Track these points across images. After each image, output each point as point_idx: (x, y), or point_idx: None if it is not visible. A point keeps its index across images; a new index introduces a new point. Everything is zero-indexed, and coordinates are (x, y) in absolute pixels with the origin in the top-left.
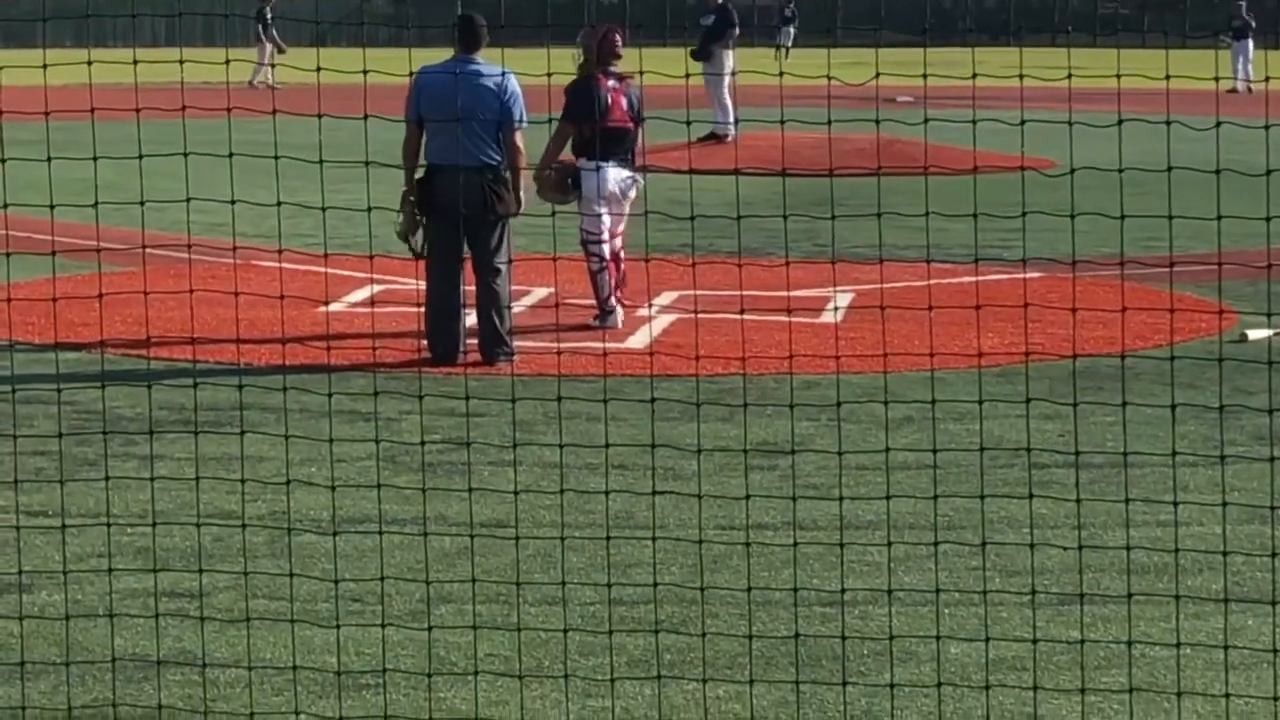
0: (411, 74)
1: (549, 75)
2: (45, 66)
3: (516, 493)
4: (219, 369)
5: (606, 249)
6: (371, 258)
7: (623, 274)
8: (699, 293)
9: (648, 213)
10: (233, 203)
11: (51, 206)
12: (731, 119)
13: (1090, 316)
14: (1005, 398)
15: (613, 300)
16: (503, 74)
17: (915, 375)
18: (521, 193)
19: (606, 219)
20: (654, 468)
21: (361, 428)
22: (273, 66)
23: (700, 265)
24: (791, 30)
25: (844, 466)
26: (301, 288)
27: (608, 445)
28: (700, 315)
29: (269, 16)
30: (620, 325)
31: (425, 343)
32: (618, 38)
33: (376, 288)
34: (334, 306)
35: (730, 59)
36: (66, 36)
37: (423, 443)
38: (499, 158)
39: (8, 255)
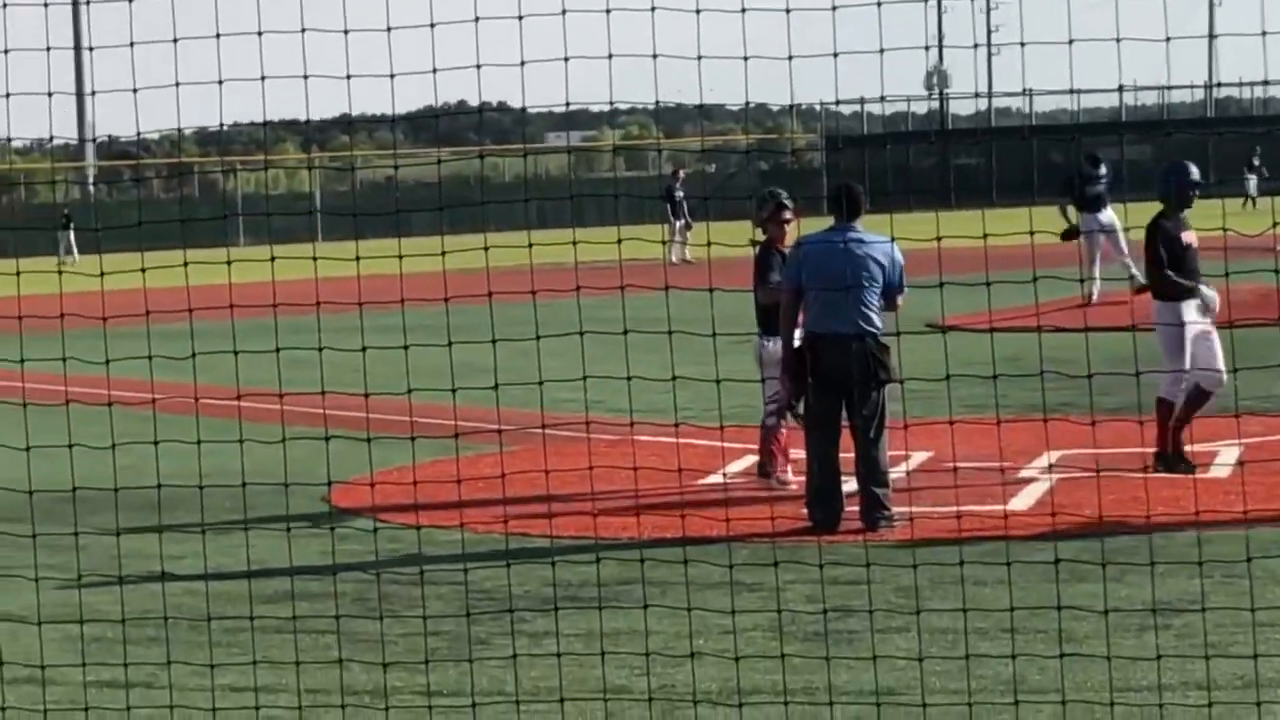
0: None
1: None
2: (444, 254)
3: (921, 659)
4: (588, 545)
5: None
6: (722, 428)
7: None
8: (1077, 451)
9: (1042, 372)
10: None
11: (454, 390)
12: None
13: None
14: None
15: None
16: (885, 241)
17: None
18: None
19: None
20: (1060, 630)
21: (747, 598)
22: (684, 243)
23: (1074, 424)
24: (1255, 180)
25: (1245, 624)
26: (661, 461)
27: (1012, 609)
28: (1079, 475)
29: (678, 195)
30: (779, 487)
31: (805, 511)
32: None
33: (740, 461)
34: (711, 478)
35: (1107, 215)
36: (461, 223)
37: (824, 611)
38: (880, 324)
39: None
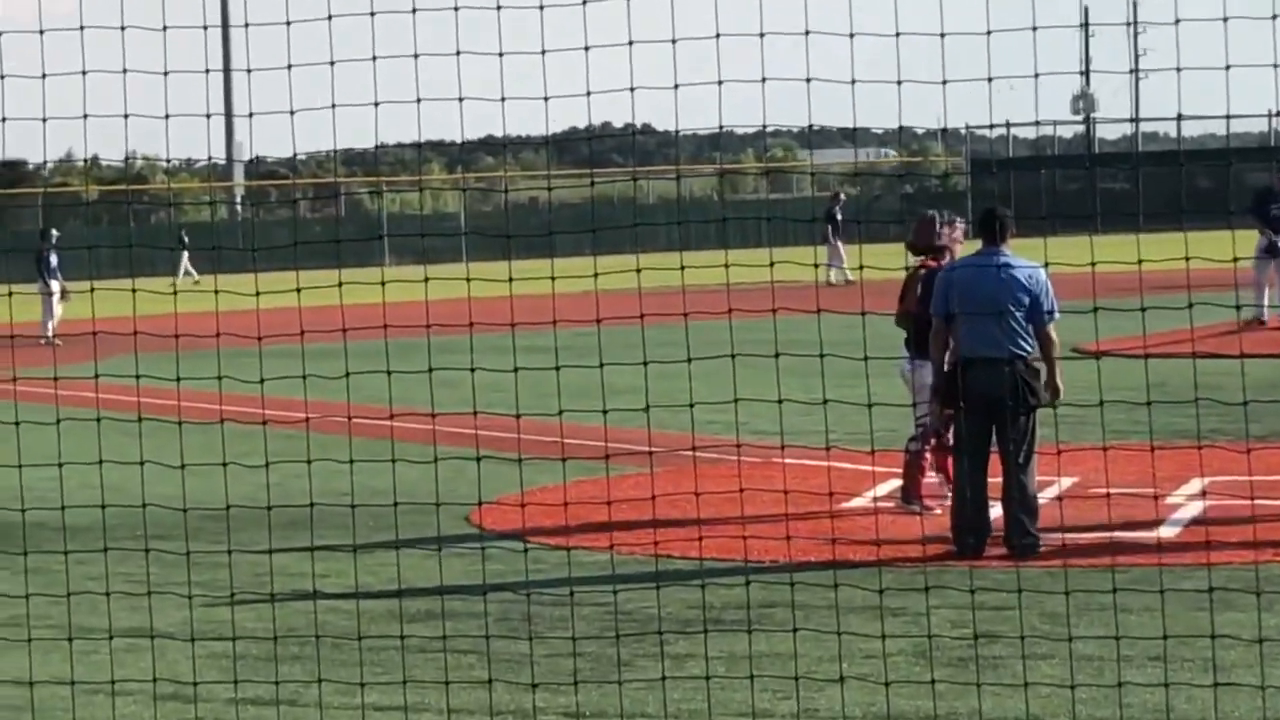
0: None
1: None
2: (553, 278)
3: (1073, 686)
4: (735, 567)
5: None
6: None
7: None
8: (1229, 479)
9: (1197, 399)
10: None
11: (560, 413)
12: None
13: None
14: None
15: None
16: (1033, 266)
17: None
18: (1058, 381)
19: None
20: (1211, 658)
21: (892, 623)
22: (843, 266)
23: (1225, 451)
24: None
25: None
26: (812, 484)
27: (1165, 637)
28: (1230, 501)
29: (838, 217)
30: (924, 513)
31: (951, 535)
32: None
33: (888, 484)
34: (857, 501)
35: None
36: (585, 246)
37: (975, 637)
38: (1030, 348)
39: (520, 460)
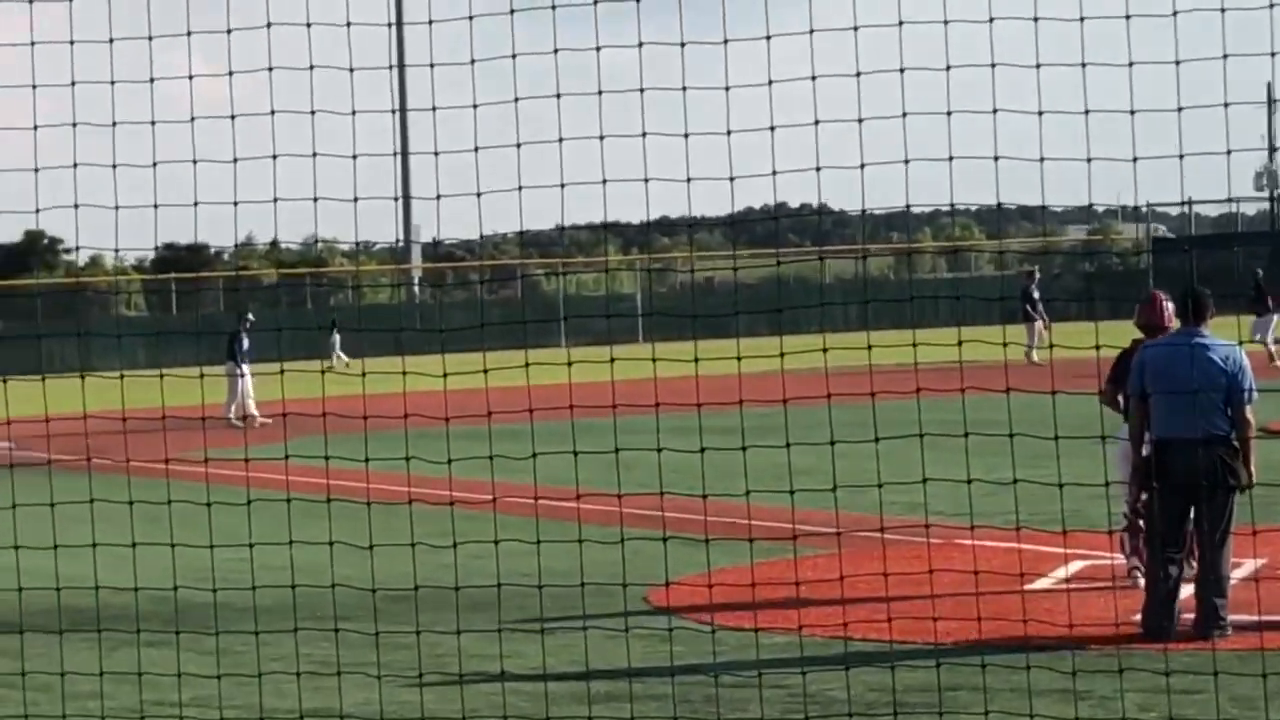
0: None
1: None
2: (740, 358)
3: None
4: (919, 650)
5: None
6: (1065, 533)
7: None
8: None
9: None
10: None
11: (747, 494)
12: None
13: None
14: None
15: (1134, 560)
16: (1230, 345)
17: None
18: (1252, 465)
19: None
20: None
21: (1081, 706)
22: (1036, 348)
23: None
24: None
25: None
26: (1001, 565)
27: None
28: None
29: (1035, 295)
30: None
31: (1139, 617)
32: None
33: (1077, 564)
34: (1038, 584)
35: None
36: (762, 326)
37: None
38: (1227, 429)
39: (706, 540)
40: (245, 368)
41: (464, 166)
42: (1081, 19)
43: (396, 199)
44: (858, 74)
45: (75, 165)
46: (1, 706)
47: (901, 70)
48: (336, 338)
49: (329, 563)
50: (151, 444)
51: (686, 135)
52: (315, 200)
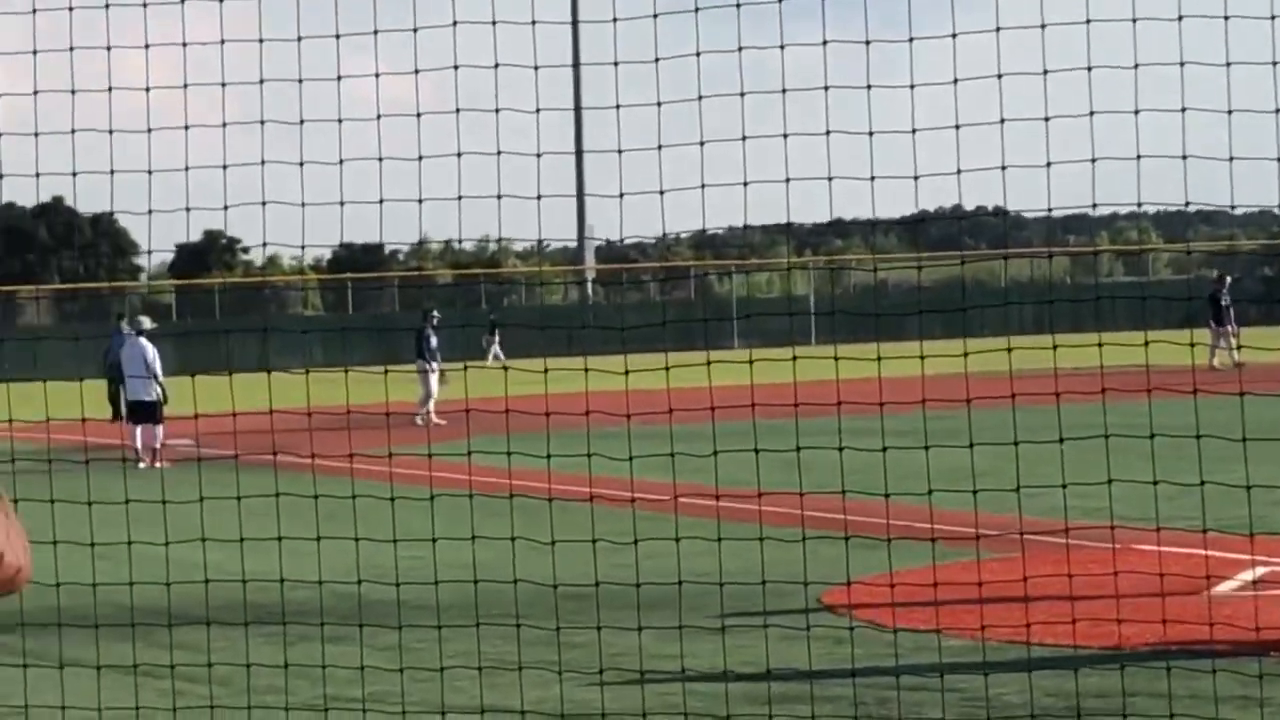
0: None
1: None
2: (923, 358)
3: None
4: (1101, 655)
5: None
6: (1252, 536)
7: None
8: None
9: None
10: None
11: (929, 493)
12: None
13: None
14: None
15: None
16: None
17: None
18: None
19: None
20: None
21: (1261, 714)
22: (1229, 348)
23: None
24: None
25: None
26: (1185, 568)
27: None
28: None
29: (1223, 301)
30: None
31: None
32: None
33: (1263, 569)
34: (1222, 587)
35: None
36: (937, 327)
37: None
38: None
39: (888, 540)
40: (433, 365)
41: (638, 166)
42: (1273, 17)
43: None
44: (1044, 72)
45: (263, 163)
46: (183, 699)
47: (1089, 69)
48: (496, 338)
49: (510, 560)
50: (334, 441)
51: (871, 134)
52: (499, 198)
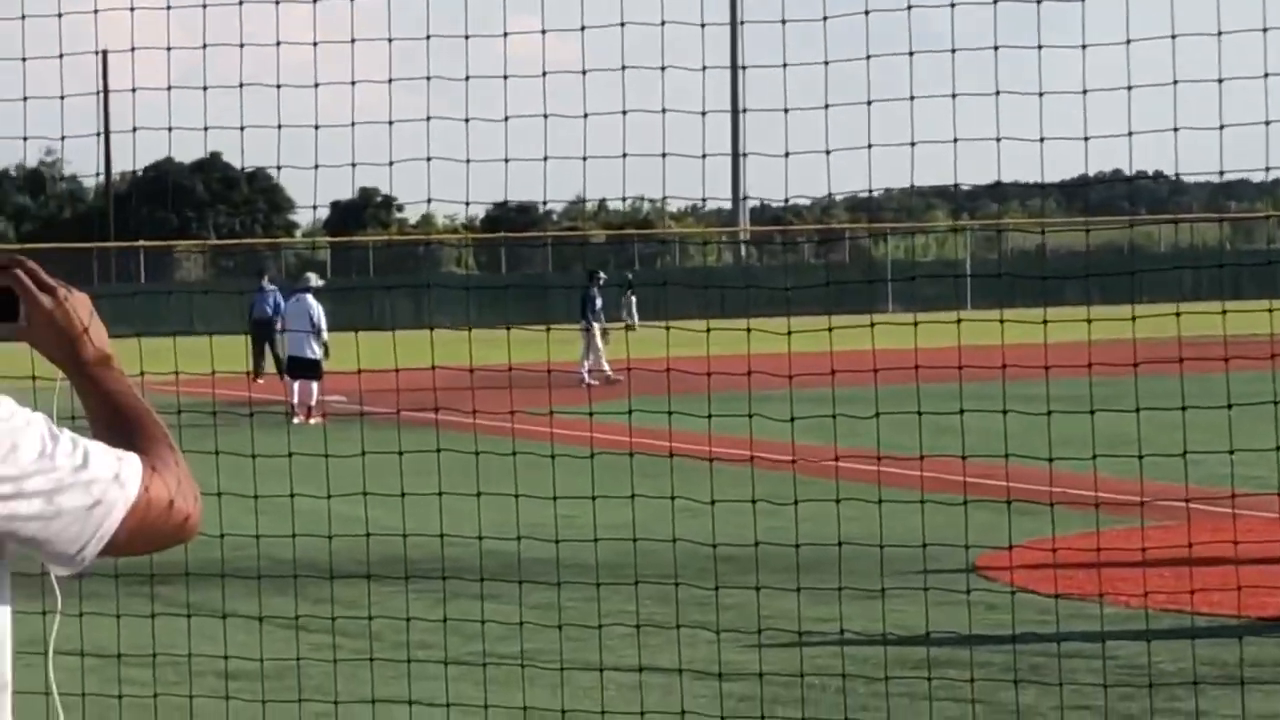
0: None
1: None
2: (1089, 322)
3: None
4: (1267, 625)
5: None
6: None
7: None
8: None
9: None
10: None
11: (1094, 458)
12: None
13: None
14: None
15: None
16: None
17: None
18: None
19: None
20: None
21: None
22: None
23: None
24: None
25: None
26: None
27: None
28: None
29: None
30: None
31: None
32: None
33: None
34: None
35: None
36: (1096, 293)
37: None
38: None
39: (1051, 506)
40: (597, 325)
41: (799, 127)
42: None
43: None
44: (1219, 33)
45: (429, 119)
46: (341, 652)
47: (1264, 30)
48: (632, 299)
49: (669, 520)
50: (494, 399)
51: (1041, 94)
52: (664, 155)
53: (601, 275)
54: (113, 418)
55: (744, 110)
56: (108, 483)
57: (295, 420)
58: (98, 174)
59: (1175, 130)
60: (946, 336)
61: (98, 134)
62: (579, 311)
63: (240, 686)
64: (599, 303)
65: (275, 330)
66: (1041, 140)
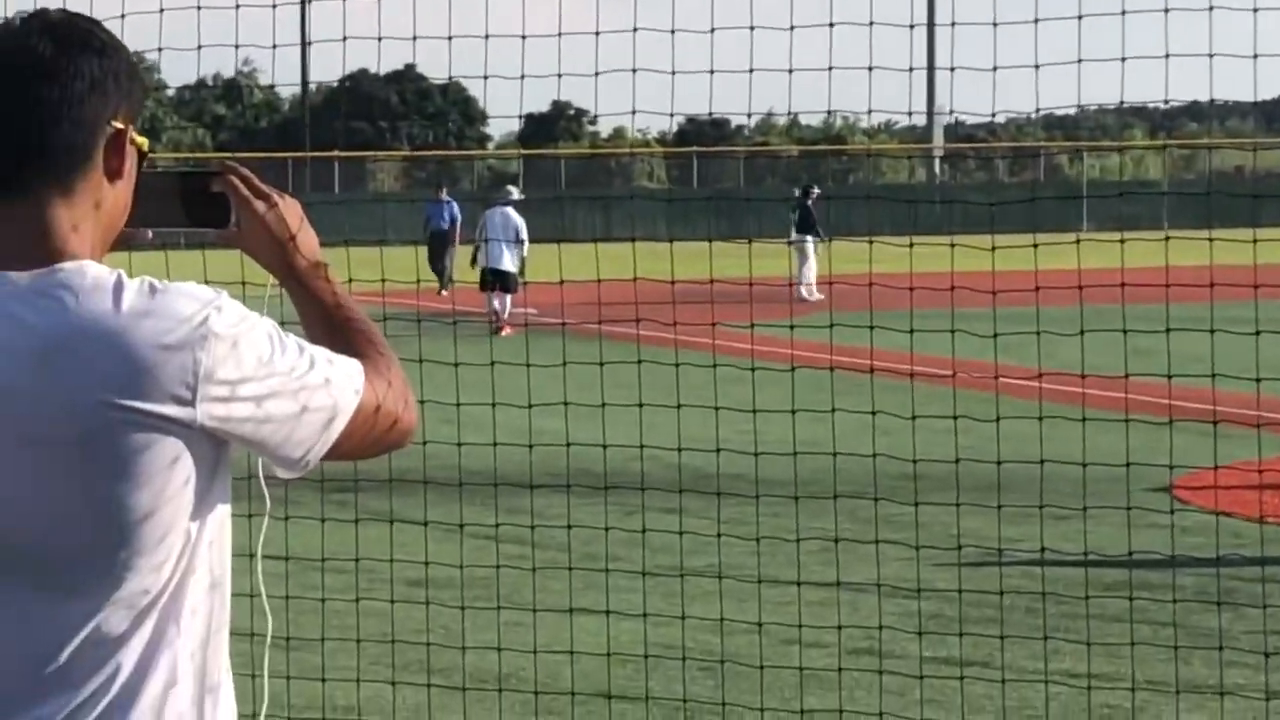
0: None
1: None
2: (1254, 241)
3: None
4: None
5: None
6: None
7: None
8: None
9: None
10: None
11: (1257, 381)
12: None
13: None
14: None
15: None
16: None
17: None
18: None
19: None
20: None
21: None
22: None
23: None
24: None
25: None
26: None
27: None
28: None
29: None
30: None
31: None
32: None
33: None
34: None
35: None
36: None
37: None
38: None
39: (1259, 427)
40: (810, 238)
41: (988, 42)
42: None
43: (929, 70)
44: None
45: (635, 30)
46: (538, 562)
47: None
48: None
49: (869, 437)
50: (695, 313)
51: (1255, 10)
52: (870, 69)
53: (815, 190)
54: (327, 323)
55: (951, 23)
56: (333, 387)
57: (503, 333)
58: (296, 83)
59: None
60: (1150, 256)
61: (300, 43)
62: (796, 226)
63: (438, 594)
64: (814, 217)
65: (450, 243)
66: (1255, 57)
